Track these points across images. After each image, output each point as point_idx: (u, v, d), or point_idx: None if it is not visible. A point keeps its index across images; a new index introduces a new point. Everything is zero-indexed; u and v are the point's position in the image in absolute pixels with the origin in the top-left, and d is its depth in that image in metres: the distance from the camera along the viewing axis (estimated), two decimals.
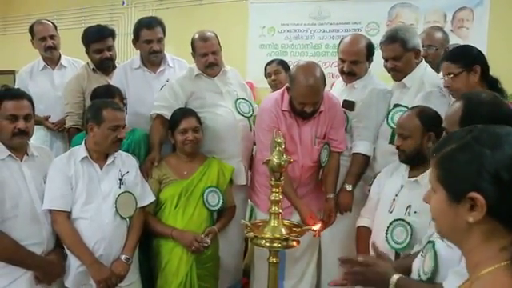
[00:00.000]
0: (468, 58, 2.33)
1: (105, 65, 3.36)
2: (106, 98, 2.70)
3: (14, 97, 2.26)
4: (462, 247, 1.00)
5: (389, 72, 2.77)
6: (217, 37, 3.01)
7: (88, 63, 3.43)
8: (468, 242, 0.97)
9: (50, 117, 3.52)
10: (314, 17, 5.23)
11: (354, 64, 2.83)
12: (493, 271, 0.92)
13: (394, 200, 2.30)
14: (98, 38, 3.32)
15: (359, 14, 4.90)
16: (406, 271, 1.63)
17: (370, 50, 2.85)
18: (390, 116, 2.69)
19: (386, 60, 2.74)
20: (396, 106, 2.71)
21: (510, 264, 0.92)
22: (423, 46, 2.86)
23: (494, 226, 0.94)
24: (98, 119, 2.40)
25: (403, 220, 2.19)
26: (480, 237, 0.95)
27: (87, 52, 3.38)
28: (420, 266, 1.58)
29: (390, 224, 2.22)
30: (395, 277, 1.46)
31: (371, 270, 1.53)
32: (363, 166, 2.79)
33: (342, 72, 2.90)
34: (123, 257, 2.39)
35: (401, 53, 2.67)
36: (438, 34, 3.22)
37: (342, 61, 2.87)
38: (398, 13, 4.68)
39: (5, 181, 2.20)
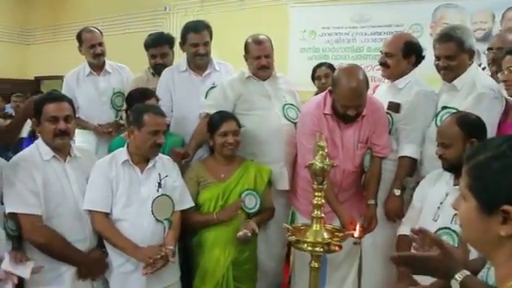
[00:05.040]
0: None
1: (157, 70, 3.47)
2: (142, 100, 2.75)
3: (55, 99, 2.35)
4: (491, 259, 0.96)
5: (439, 71, 2.70)
6: (270, 41, 3.03)
7: (149, 67, 3.58)
8: (498, 255, 0.93)
9: (99, 126, 3.60)
10: (356, 20, 5.19)
11: (387, 56, 2.85)
12: None
13: (438, 208, 2.25)
14: (153, 44, 3.49)
15: (402, 16, 4.82)
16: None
17: (408, 46, 2.81)
18: (438, 118, 2.63)
19: (439, 58, 2.67)
20: (444, 108, 2.64)
21: None
22: (492, 49, 2.78)
23: None
24: (138, 123, 2.44)
25: (449, 228, 2.13)
26: (511, 250, 0.91)
27: (148, 56, 3.55)
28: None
29: (435, 232, 2.16)
30: (465, 272, 1.31)
31: (436, 257, 1.41)
32: (411, 170, 2.73)
33: (379, 64, 2.94)
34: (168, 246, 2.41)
35: (456, 52, 2.60)
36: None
37: (381, 53, 2.91)
38: (442, 14, 4.57)
39: (49, 180, 2.28)
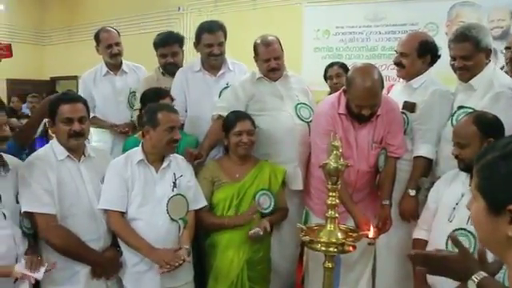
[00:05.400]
0: None
1: (168, 69, 3.48)
2: (156, 99, 2.76)
3: (70, 100, 2.36)
4: (504, 259, 0.95)
5: (455, 71, 2.67)
6: (279, 41, 3.02)
7: (158, 67, 3.58)
8: (509, 256, 0.92)
9: (115, 125, 3.62)
10: (370, 18, 5.15)
11: (402, 56, 2.82)
12: None
13: (454, 209, 2.22)
14: (163, 44, 3.47)
15: (417, 15, 4.77)
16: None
17: (423, 46, 2.78)
18: (454, 118, 2.60)
19: (454, 59, 2.64)
20: (460, 107, 2.61)
21: None
22: (510, 48, 2.74)
23: None
24: (153, 122, 2.45)
25: (465, 229, 2.10)
26: None
27: (157, 55, 3.54)
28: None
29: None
30: (482, 274, 1.29)
31: (454, 257, 1.40)
32: (426, 170, 2.70)
33: (394, 63, 2.91)
34: (184, 246, 2.42)
35: (472, 52, 2.57)
36: None
37: (396, 53, 2.89)
38: (458, 12, 4.52)
39: (64, 180, 2.30)
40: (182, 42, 3.57)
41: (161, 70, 3.54)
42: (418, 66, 2.80)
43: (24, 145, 2.66)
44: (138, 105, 3.35)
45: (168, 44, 3.47)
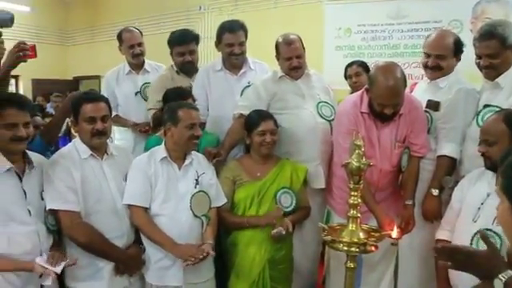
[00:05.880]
0: None
1: (185, 68, 3.47)
2: (179, 100, 2.78)
3: (92, 100, 2.39)
4: None
5: (480, 70, 2.62)
6: (300, 39, 3.01)
7: (172, 65, 3.56)
8: None
9: (136, 124, 3.66)
10: (392, 16, 5.10)
11: (439, 58, 2.73)
12: None
13: (478, 209, 2.18)
14: (180, 42, 3.45)
15: (440, 12, 4.70)
16: None
17: (457, 45, 2.73)
18: (479, 116, 2.55)
19: (480, 57, 2.59)
20: (486, 106, 2.56)
21: None
22: None
23: None
24: (174, 120, 2.49)
25: (491, 230, 2.06)
26: None
27: (171, 54, 3.51)
28: None
29: (476, 234, 2.10)
30: (509, 272, 1.28)
31: (483, 254, 1.37)
32: (450, 170, 2.66)
33: (426, 66, 2.80)
34: (208, 241, 2.44)
35: (498, 50, 2.51)
36: None
37: (427, 55, 2.78)
38: (483, 9, 4.42)
39: (87, 178, 2.34)
40: (198, 39, 3.56)
41: (175, 69, 3.51)
42: (452, 65, 2.76)
43: (51, 142, 2.72)
44: (151, 104, 3.39)
45: (185, 42, 3.45)
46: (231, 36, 3.18)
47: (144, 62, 3.82)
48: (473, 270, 1.35)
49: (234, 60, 3.23)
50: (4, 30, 2.32)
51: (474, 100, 2.67)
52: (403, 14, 4.98)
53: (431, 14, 4.76)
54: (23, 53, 2.33)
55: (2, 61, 2.36)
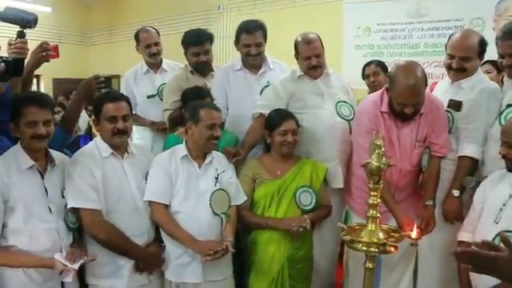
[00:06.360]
0: None
1: (200, 68, 3.47)
2: (197, 99, 2.79)
3: (114, 99, 2.42)
4: None
5: (503, 69, 2.59)
6: (320, 39, 3.00)
7: (186, 65, 3.56)
8: None
9: (154, 123, 3.68)
10: (412, 15, 5.04)
11: (464, 60, 2.68)
12: None
13: (500, 210, 2.17)
14: (195, 42, 3.44)
15: (461, 10, 4.63)
16: None
17: (482, 46, 2.68)
18: (502, 116, 2.52)
19: (503, 56, 2.55)
20: (509, 106, 2.52)
21: None
22: None
23: None
24: (195, 118, 2.51)
25: None
26: None
27: (185, 54, 3.51)
28: None
29: (497, 235, 2.07)
30: None
31: (504, 257, 1.34)
32: (471, 171, 2.63)
33: (449, 68, 2.75)
34: (228, 238, 2.45)
35: None
36: None
37: (451, 56, 2.73)
38: (507, 6, 4.34)
39: (108, 176, 2.37)
40: (213, 39, 3.55)
41: (189, 69, 3.50)
42: (476, 66, 2.72)
43: (70, 130, 2.68)
44: (167, 105, 3.40)
45: (200, 43, 3.43)
46: (248, 37, 3.19)
47: (162, 61, 3.85)
48: (494, 274, 1.33)
49: (252, 61, 3.24)
50: (26, 31, 2.36)
51: (496, 100, 2.63)
52: (423, 12, 4.92)
53: (452, 12, 4.70)
54: (46, 53, 2.36)
55: (26, 61, 2.40)
